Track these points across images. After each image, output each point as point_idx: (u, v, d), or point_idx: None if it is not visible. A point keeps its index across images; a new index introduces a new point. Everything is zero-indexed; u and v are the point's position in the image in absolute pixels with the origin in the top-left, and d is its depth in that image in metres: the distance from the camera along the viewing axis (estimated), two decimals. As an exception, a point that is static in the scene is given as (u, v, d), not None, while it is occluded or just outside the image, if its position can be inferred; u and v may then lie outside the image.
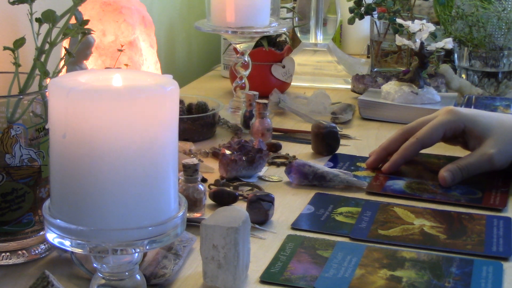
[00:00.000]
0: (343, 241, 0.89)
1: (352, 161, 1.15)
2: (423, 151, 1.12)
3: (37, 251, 0.82)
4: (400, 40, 1.41)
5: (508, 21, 1.43)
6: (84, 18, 0.80)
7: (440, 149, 1.21)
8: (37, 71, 0.80)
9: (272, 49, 1.50)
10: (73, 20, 0.80)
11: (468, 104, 1.37)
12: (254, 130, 1.21)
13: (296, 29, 1.70)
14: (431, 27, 1.38)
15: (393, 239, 0.89)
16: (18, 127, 0.78)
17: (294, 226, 0.93)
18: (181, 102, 1.26)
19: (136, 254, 0.63)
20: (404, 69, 1.52)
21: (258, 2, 1.31)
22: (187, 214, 0.72)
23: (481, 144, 1.07)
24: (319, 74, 1.65)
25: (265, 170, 1.11)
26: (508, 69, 1.47)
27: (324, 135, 1.17)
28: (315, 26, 1.68)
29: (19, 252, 0.81)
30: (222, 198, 0.98)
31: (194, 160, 0.93)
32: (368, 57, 1.84)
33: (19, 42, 0.80)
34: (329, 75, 1.64)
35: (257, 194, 0.93)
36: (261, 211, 0.92)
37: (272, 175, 1.09)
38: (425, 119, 1.12)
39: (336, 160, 1.16)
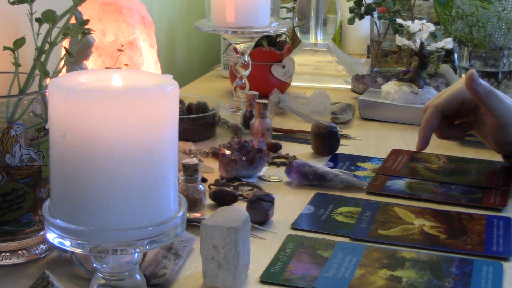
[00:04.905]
0: (343, 241, 0.89)
1: (352, 161, 1.15)
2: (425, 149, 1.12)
3: (37, 251, 0.82)
4: (400, 40, 1.41)
5: (508, 21, 1.43)
6: (84, 18, 0.80)
7: (440, 149, 1.22)
8: (37, 71, 0.80)
9: (272, 49, 1.50)
10: (73, 20, 0.80)
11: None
12: (254, 130, 1.21)
13: (296, 29, 1.70)
14: (431, 27, 1.38)
15: (393, 239, 0.89)
16: (18, 127, 0.78)
17: (294, 226, 0.93)
18: (181, 102, 1.26)
19: (136, 254, 0.63)
20: (404, 69, 1.52)
21: (258, 2, 1.31)
22: (187, 214, 0.72)
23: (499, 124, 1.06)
24: (319, 74, 1.65)
25: (265, 170, 1.11)
26: (508, 69, 1.47)
27: (324, 135, 1.17)
28: (315, 26, 1.68)
29: (19, 252, 0.81)
30: (222, 198, 0.98)
31: (194, 160, 0.93)
32: (368, 57, 1.84)
33: (19, 42, 0.80)
34: (329, 75, 1.64)
35: (257, 194, 0.93)
36: (261, 211, 0.92)
37: (272, 175, 1.09)
38: (446, 89, 1.12)
39: (336, 160, 1.16)
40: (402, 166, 1.13)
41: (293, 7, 1.72)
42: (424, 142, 1.09)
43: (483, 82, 1.06)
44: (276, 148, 1.19)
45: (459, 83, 1.10)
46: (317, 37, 1.69)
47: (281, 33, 1.48)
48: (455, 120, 1.13)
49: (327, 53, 1.68)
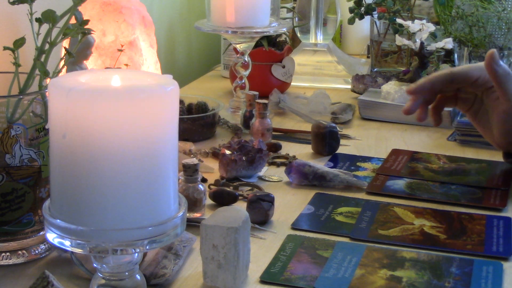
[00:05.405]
0: (343, 241, 0.89)
1: (352, 161, 1.15)
2: (423, 150, 1.12)
3: (37, 251, 0.82)
4: (400, 40, 1.41)
5: (508, 21, 1.43)
6: (84, 18, 0.80)
7: (440, 149, 1.22)
8: (37, 71, 0.80)
9: (272, 49, 1.50)
10: (73, 20, 0.80)
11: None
12: (254, 130, 1.21)
13: (296, 29, 1.70)
14: (431, 27, 1.38)
15: (393, 239, 0.89)
16: (18, 127, 0.78)
17: (294, 226, 0.93)
18: (181, 102, 1.26)
19: (136, 254, 0.63)
20: (404, 69, 1.52)
21: (258, 2, 1.31)
22: (187, 214, 0.72)
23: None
24: (319, 74, 1.65)
25: (265, 170, 1.11)
26: (508, 69, 1.47)
27: (324, 135, 1.17)
28: (315, 26, 1.68)
29: (19, 252, 0.81)
30: (222, 198, 0.98)
31: (194, 160, 0.93)
32: (368, 57, 1.84)
33: (19, 42, 0.80)
34: (329, 75, 1.64)
35: (257, 194, 0.93)
36: (261, 211, 0.92)
37: (272, 175, 1.09)
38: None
39: (336, 160, 1.16)
40: (402, 166, 1.13)
41: (293, 7, 1.72)
42: (419, 87, 1.07)
43: (502, 63, 1.05)
44: (276, 148, 1.19)
45: (478, 63, 1.09)
46: (317, 37, 1.69)
47: (281, 33, 1.48)
48: (456, 103, 1.12)
49: (327, 53, 1.68)
